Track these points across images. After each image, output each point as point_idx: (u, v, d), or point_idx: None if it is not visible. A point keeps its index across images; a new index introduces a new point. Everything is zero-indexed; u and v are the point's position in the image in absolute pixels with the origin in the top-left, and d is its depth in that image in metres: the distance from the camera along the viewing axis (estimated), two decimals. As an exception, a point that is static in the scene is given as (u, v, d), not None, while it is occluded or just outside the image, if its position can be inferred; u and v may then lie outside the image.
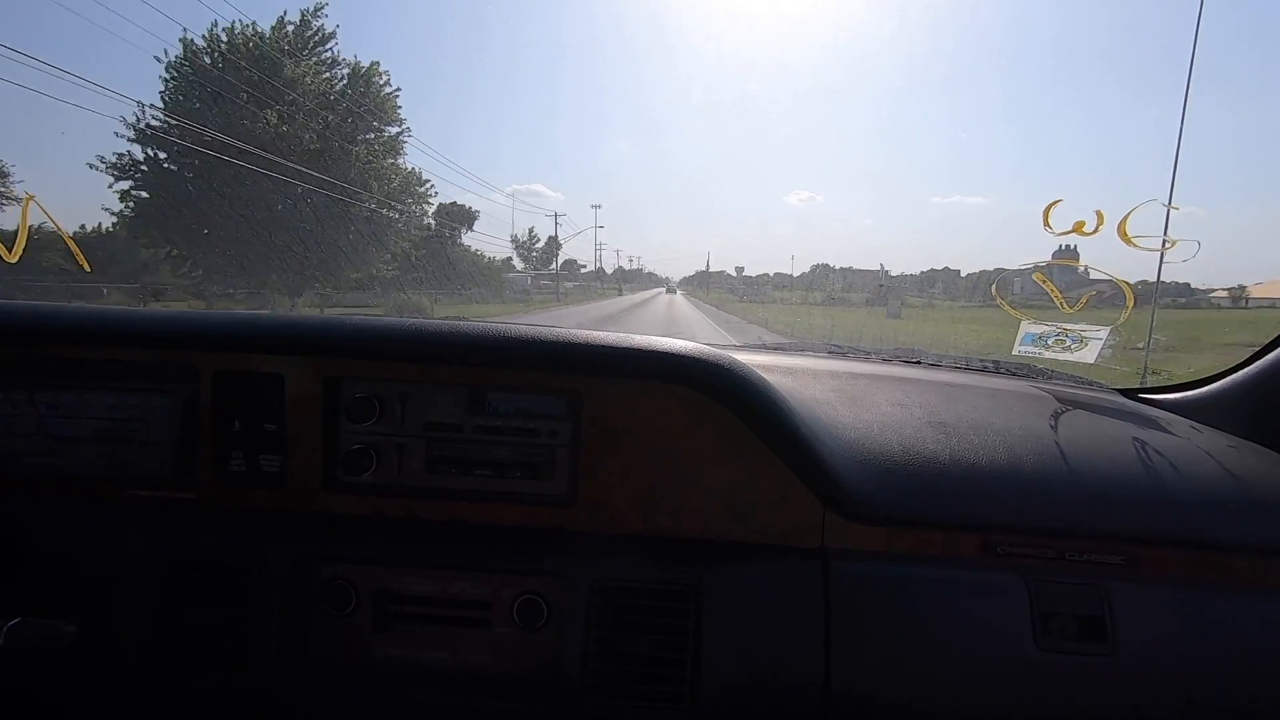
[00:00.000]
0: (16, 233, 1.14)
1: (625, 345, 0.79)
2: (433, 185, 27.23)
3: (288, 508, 0.86)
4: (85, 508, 0.86)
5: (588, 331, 0.82)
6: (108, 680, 0.79)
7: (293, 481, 0.86)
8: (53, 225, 1.20)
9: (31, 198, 1.15)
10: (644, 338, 0.81)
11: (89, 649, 0.78)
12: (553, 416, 0.86)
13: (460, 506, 0.86)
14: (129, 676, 0.79)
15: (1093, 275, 1.15)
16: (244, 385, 0.86)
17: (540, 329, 0.82)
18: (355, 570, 0.82)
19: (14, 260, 1.19)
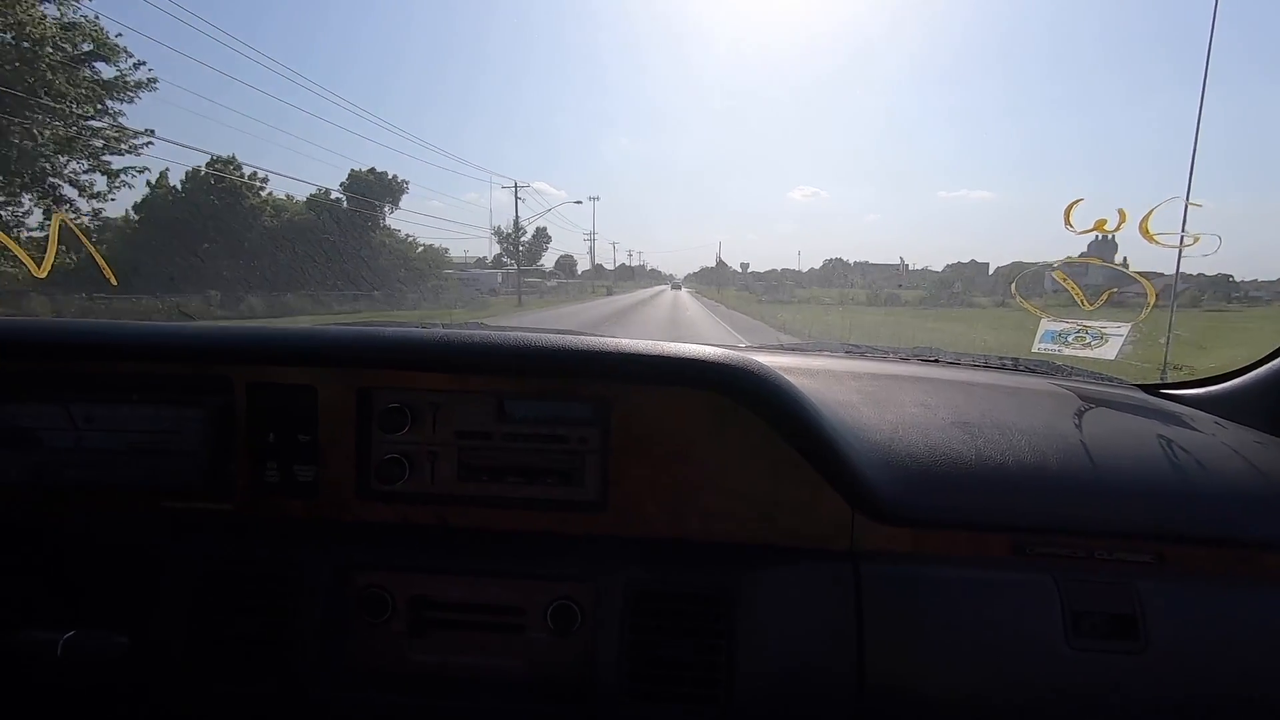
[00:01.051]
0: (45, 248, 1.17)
1: (653, 353, 0.80)
2: (136, 61, 15.85)
3: (322, 517, 0.88)
4: (124, 520, 0.88)
5: (616, 339, 0.83)
6: (155, 689, 0.81)
7: (327, 491, 0.87)
8: (81, 241, 1.22)
9: (61, 215, 1.17)
10: (672, 344, 0.82)
11: (137, 659, 0.80)
12: (581, 423, 0.87)
13: (492, 513, 0.87)
14: (174, 685, 0.81)
15: (1119, 270, 1.14)
16: (277, 397, 0.87)
17: (569, 337, 0.83)
18: (390, 578, 0.83)
19: (43, 275, 1.22)
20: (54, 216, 1.14)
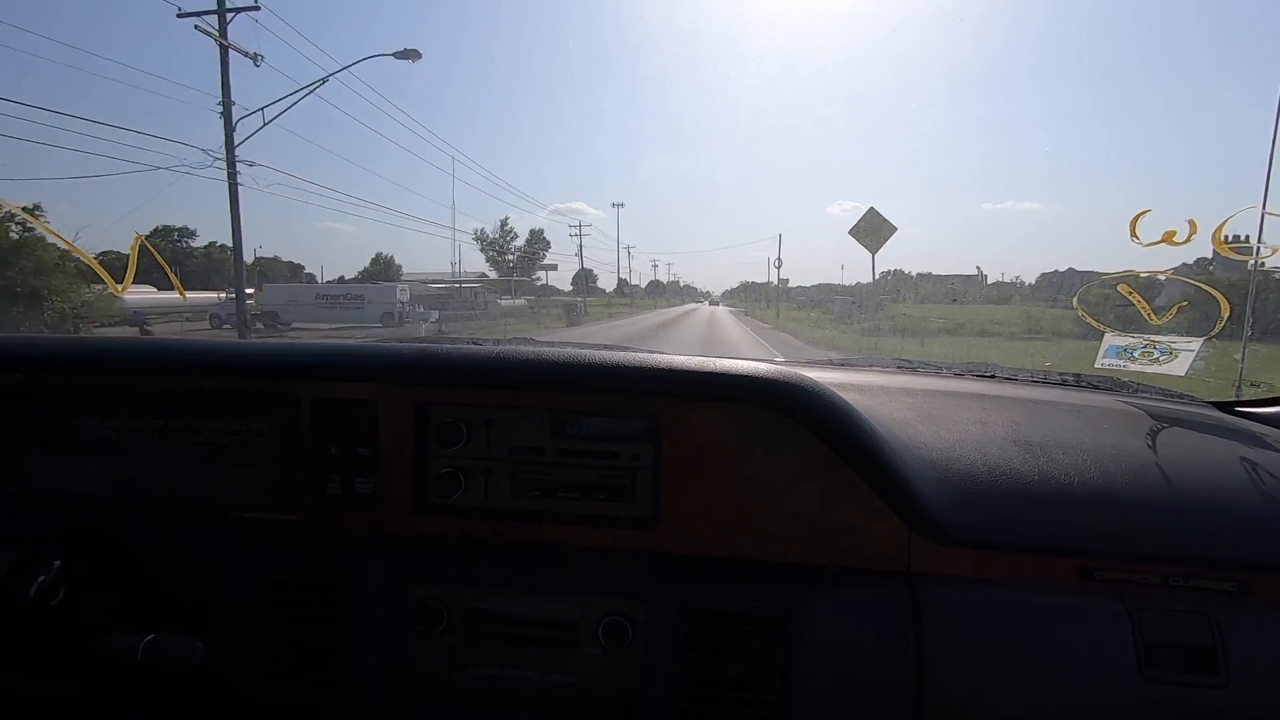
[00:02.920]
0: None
1: (705, 369, 0.80)
2: None
3: (381, 529, 0.90)
4: (197, 528, 0.92)
5: (669, 356, 0.83)
6: (224, 694, 0.84)
7: (386, 503, 0.89)
8: (159, 262, 1.29)
9: (141, 237, 1.24)
10: (724, 361, 0.82)
11: (210, 665, 0.83)
12: (634, 439, 0.87)
13: (545, 528, 0.88)
14: (241, 691, 0.83)
15: (1194, 284, 1.08)
16: (340, 411, 0.90)
17: (622, 354, 0.84)
18: (446, 590, 0.84)
19: (122, 293, 1.29)
20: (135, 237, 1.21)
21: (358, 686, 0.81)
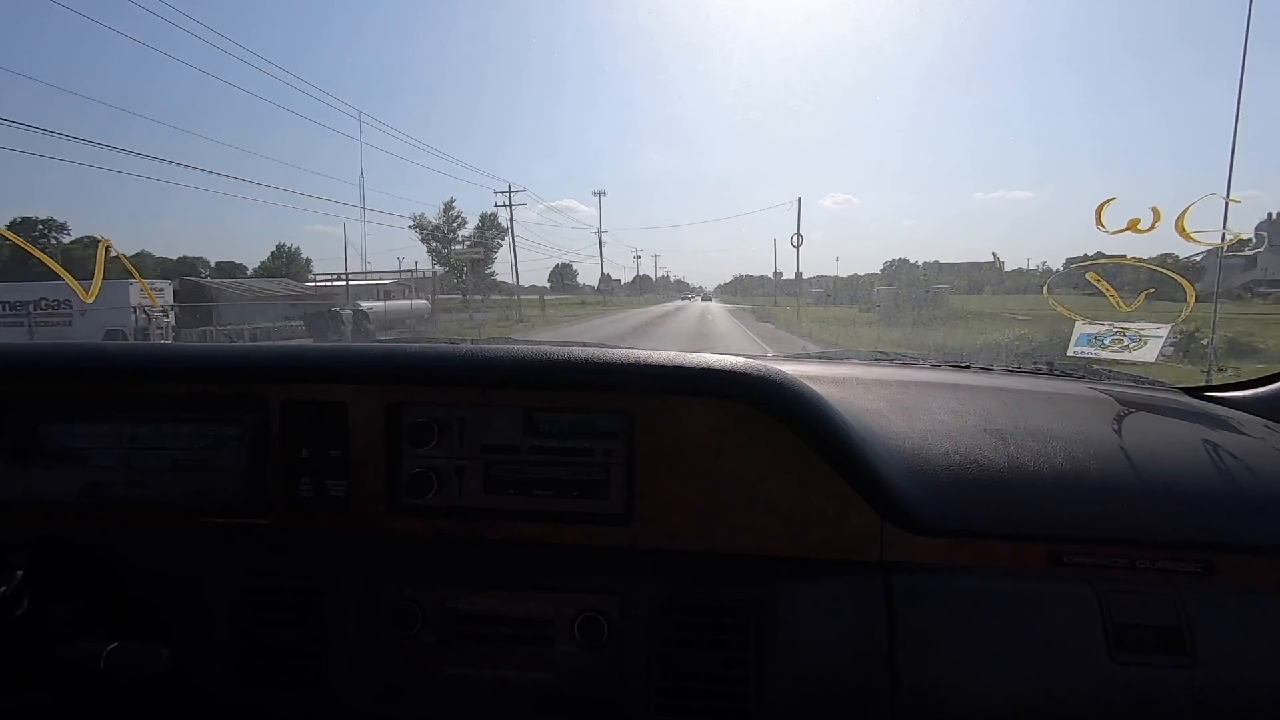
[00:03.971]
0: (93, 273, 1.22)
1: (677, 364, 0.80)
2: None
3: (354, 531, 0.89)
4: (166, 535, 0.91)
5: (639, 351, 0.83)
6: (196, 701, 0.83)
7: (358, 505, 0.89)
8: (127, 268, 1.27)
9: (107, 243, 1.22)
10: (696, 355, 0.82)
11: (179, 671, 0.82)
12: (607, 435, 0.87)
13: (519, 526, 0.87)
14: (215, 697, 0.83)
15: (1160, 270, 1.08)
16: (310, 413, 0.90)
17: (593, 350, 0.83)
18: (421, 591, 0.84)
19: (90, 299, 1.27)
20: (100, 244, 1.19)
21: (332, 689, 0.81)
